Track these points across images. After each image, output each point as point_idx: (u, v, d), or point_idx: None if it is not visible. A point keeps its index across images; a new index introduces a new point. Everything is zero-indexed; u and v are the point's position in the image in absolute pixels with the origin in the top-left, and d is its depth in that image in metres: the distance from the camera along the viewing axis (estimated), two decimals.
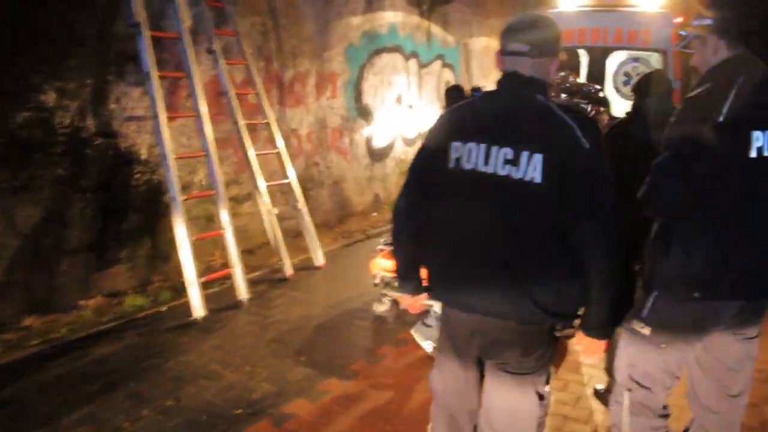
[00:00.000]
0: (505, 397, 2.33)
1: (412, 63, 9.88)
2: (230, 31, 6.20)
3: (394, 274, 4.92)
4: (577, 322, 2.33)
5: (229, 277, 5.41)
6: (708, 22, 2.31)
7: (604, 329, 2.26)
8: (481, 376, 2.46)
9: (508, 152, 2.06)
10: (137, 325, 4.91)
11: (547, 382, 2.36)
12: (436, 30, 10.42)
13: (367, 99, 8.92)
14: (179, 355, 4.39)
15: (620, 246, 2.12)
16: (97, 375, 4.11)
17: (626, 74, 7.93)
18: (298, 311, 5.20)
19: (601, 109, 4.74)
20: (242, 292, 5.31)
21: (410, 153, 10.07)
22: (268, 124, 6.37)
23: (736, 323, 2.43)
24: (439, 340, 2.56)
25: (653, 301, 2.43)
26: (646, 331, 2.44)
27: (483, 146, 2.11)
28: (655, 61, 7.56)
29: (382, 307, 5.09)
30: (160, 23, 5.62)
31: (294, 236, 7.12)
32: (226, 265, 5.60)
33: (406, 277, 2.50)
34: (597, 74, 7.74)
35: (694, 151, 2.16)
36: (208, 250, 6.26)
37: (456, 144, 2.17)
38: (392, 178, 9.68)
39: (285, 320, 5.01)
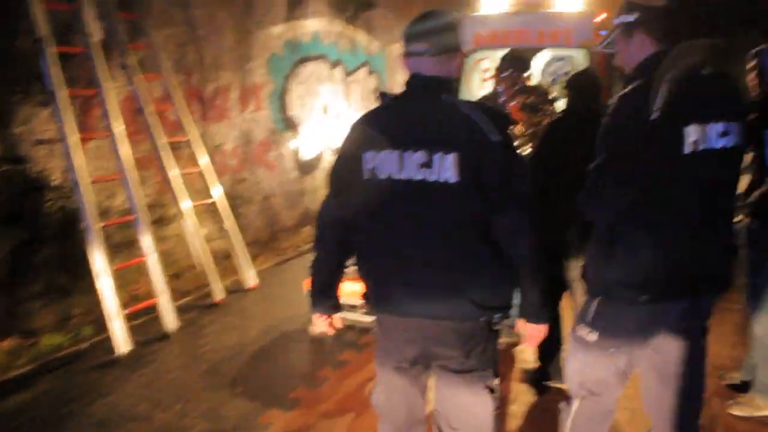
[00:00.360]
0: (458, 396, 2.33)
1: (338, 71, 9.69)
2: (145, 45, 5.86)
3: None
4: (514, 312, 2.32)
5: (155, 307, 5.07)
6: (632, 18, 2.30)
7: (542, 313, 2.26)
8: (425, 384, 2.46)
9: (420, 156, 2.06)
10: (55, 366, 4.51)
11: (496, 375, 2.34)
12: (361, 37, 10.27)
13: (293, 110, 8.67)
14: (103, 397, 4.04)
15: (540, 233, 2.12)
16: (11, 428, 3.73)
17: (551, 73, 8.01)
18: (232, 338, 4.91)
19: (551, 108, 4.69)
20: (170, 321, 4.99)
21: None
22: (189, 141, 6.05)
23: (684, 322, 2.39)
24: (377, 354, 2.47)
25: (597, 306, 2.39)
26: (593, 336, 2.40)
27: (395, 153, 2.09)
28: (579, 59, 7.65)
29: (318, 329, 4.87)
30: (68, 38, 5.24)
31: (224, 257, 6.80)
32: (151, 293, 5.25)
33: (322, 295, 2.44)
34: None
35: (630, 151, 2.15)
36: (132, 277, 5.88)
37: (368, 154, 2.13)
38: (323, 191, 9.44)
39: (218, 349, 4.72)
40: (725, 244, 2.39)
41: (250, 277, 6.12)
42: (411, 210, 2.12)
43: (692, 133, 2.14)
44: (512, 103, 4.92)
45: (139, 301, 5.54)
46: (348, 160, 2.21)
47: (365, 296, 2.36)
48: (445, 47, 2.16)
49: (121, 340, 4.56)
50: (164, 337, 4.94)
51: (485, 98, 5.25)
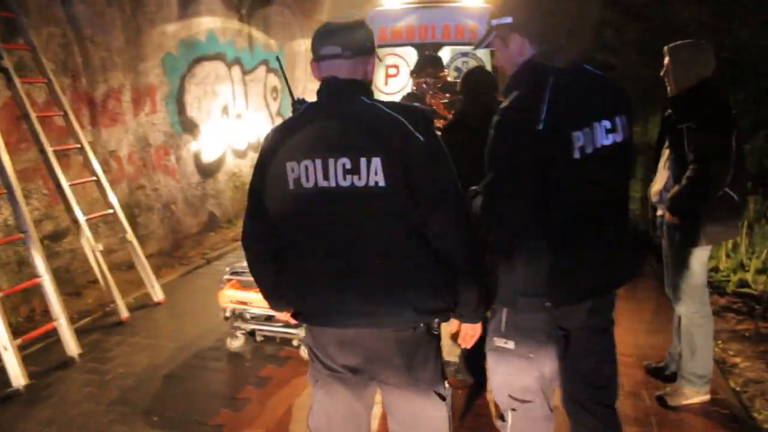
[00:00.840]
0: (408, 407, 2.26)
1: (236, 70, 9.33)
2: (24, 45, 5.36)
3: (245, 305, 4.52)
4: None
5: (54, 331, 4.63)
6: (508, 20, 2.26)
7: (477, 312, 2.20)
8: (371, 399, 2.39)
9: (346, 162, 1.97)
10: None
11: (444, 379, 2.29)
12: (258, 34, 9.93)
13: (192, 112, 8.26)
14: None
15: (473, 230, 2.10)
16: None
17: (456, 69, 8.00)
18: (142, 360, 4.55)
19: None
20: (72, 347, 4.55)
21: (243, 165, 9.53)
22: (81, 148, 5.60)
23: (590, 320, 2.41)
24: (311, 373, 2.36)
25: (506, 316, 2.38)
26: (510, 344, 2.38)
27: (319, 162, 2.00)
28: (483, 55, 7.67)
29: (236, 343, 4.62)
30: None
31: (127, 268, 6.37)
32: (48, 315, 4.79)
33: (277, 301, 2.34)
34: None
35: (521, 166, 2.12)
36: (26, 297, 5.38)
37: (291, 164, 2.04)
38: (227, 194, 9.09)
39: (127, 374, 4.35)
40: (625, 241, 2.43)
41: (156, 291, 5.73)
42: (341, 217, 2.04)
43: (580, 138, 2.13)
44: (435, 100, 5.07)
45: (35, 323, 5.10)
46: (267, 173, 2.11)
47: (295, 313, 2.26)
48: (360, 49, 2.09)
49: (16, 374, 4.10)
50: (66, 364, 4.50)
51: (409, 97, 5.25)
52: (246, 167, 9.59)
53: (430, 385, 2.22)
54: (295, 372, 4.28)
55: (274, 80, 10.52)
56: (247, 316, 4.64)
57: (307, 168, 2.01)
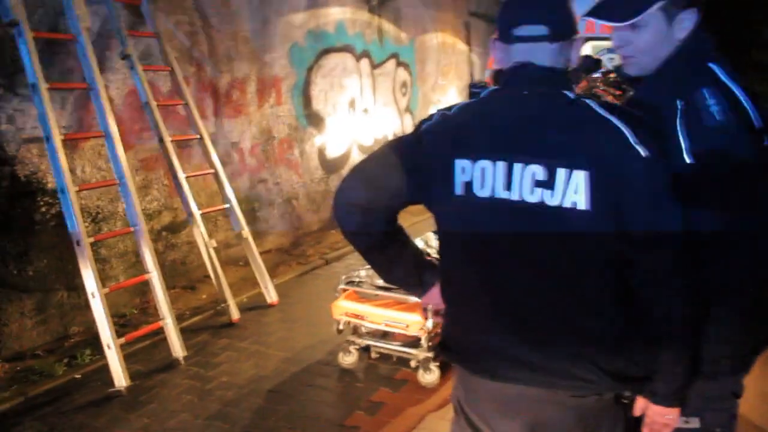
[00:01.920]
0: None
1: (364, 63, 8.98)
2: (149, 33, 5.21)
3: (361, 318, 4.08)
4: None
5: (160, 330, 4.41)
6: None
7: (677, 395, 1.61)
8: None
9: (537, 171, 1.49)
10: (42, 402, 3.86)
11: None
12: (388, 26, 9.53)
13: (317, 105, 7.98)
14: None
15: (693, 283, 1.52)
16: None
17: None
18: (247, 369, 4.22)
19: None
20: (177, 348, 4.31)
21: None
22: (200, 138, 5.39)
23: None
24: (455, 427, 1.86)
25: None
26: (695, 423, 1.76)
27: (501, 164, 1.53)
28: None
29: (348, 359, 4.19)
30: (56, 22, 4.62)
31: (244, 264, 6.14)
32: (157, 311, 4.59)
33: (407, 284, 1.98)
34: None
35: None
36: (142, 288, 5.24)
37: (462, 163, 1.58)
38: None
39: (230, 383, 4.03)
40: None
41: (270, 292, 5.44)
42: (521, 243, 1.56)
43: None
44: (610, 97, 4.74)
45: (149, 316, 4.94)
46: (426, 169, 1.66)
47: (443, 345, 1.81)
48: (567, 30, 1.59)
49: (118, 374, 3.89)
50: (170, 366, 4.27)
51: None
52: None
53: None
54: (410, 399, 3.79)
55: (403, 75, 10.10)
56: (363, 330, 4.20)
57: (483, 171, 1.55)
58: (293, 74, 7.45)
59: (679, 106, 1.60)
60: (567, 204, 1.47)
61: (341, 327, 4.16)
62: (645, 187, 1.45)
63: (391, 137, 9.75)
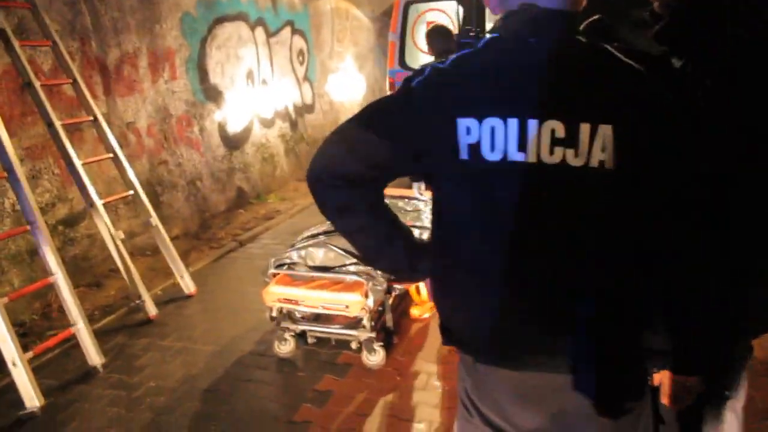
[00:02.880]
0: None
1: (259, 32, 8.51)
2: (23, 3, 4.60)
3: (296, 303, 3.81)
4: None
5: (72, 337, 3.94)
6: None
7: (701, 364, 1.50)
8: None
9: (556, 127, 1.28)
10: None
11: None
12: None
13: (214, 78, 7.48)
14: None
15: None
16: None
17: None
18: (176, 370, 3.86)
19: None
20: (93, 355, 3.87)
21: (270, 135, 8.77)
22: (94, 120, 4.86)
23: None
24: (460, 427, 1.63)
25: None
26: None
27: (514, 122, 1.30)
28: None
29: (285, 347, 3.92)
30: None
31: (152, 253, 5.69)
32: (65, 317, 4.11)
33: (397, 271, 1.72)
34: None
35: None
36: (41, 291, 4.69)
37: (467, 122, 1.34)
38: (255, 167, 8.34)
39: (160, 388, 3.66)
40: None
41: (186, 282, 5.04)
42: (541, 211, 1.34)
43: None
44: None
45: (51, 321, 4.49)
46: (424, 126, 1.39)
47: (445, 328, 1.58)
48: None
49: (29, 394, 3.43)
50: (88, 375, 3.83)
51: None
52: (273, 137, 8.83)
53: None
54: (358, 384, 3.58)
55: (300, 42, 9.69)
56: (297, 315, 3.93)
57: (493, 130, 1.31)
58: (186, 46, 6.92)
59: None
60: (593, 164, 1.27)
61: (274, 314, 3.88)
62: (675, 141, 1.29)
63: (291, 110, 9.37)
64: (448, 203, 1.47)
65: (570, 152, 1.27)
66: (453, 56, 1.42)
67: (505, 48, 1.37)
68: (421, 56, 7.73)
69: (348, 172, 1.46)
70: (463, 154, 1.35)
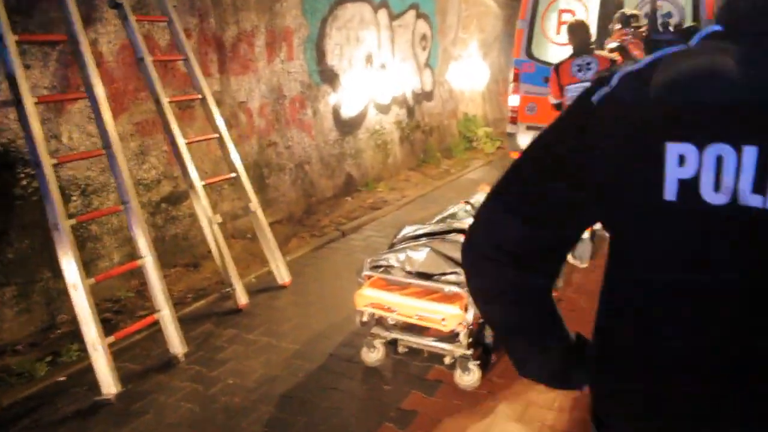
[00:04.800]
0: None
1: (382, 14, 8.25)
2: None
3: (389, 311, 3.51)
4: None
5: (155, 323, 3.85)
6: None
7: None
8: None
9: None
10: (19, 412, 3.31)
11: None
12: None
13: (332, 60, 7.30)
14: None
15: None
16: None
17: (646, 16, 6.51)
18: (256, 368, 3.67)
19: None
20: (176, 344, 3.76)
21: (385, 121, 8.51)
22: (203, 99, 4.76)
23: None
24: None
25: None
26: None
27: (751, 151, 0.95)
28: None
29: (373, 355, 3.64)
30: None
31: (253, 237, 5.59)
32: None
33: (548, 381, 1.35)
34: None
35: None
36: (129, 274, 4.65)
37: (680, 147, 0.99)
38: (367, 153, 8.12)
39: (237, 387, 3.48)
40: None
41: (281, 272, 4.87)
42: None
43: None
44: (640, 52, 4.94)
45: (146, 300, 4.39)
46: (613, 153, 1.05)
47: (599, 422, 1.22)
48: None
49: (107, 380, 3.34)
50: (168, 365, 3.72)
51: (617, 50, 5.12)
52: (389, 123, 8.57)
53: None
54: (447, 405, 3.25)
55: (423, 27, 9.36)
56: (389, 321, 3.64)
57: (719, 161, 0.96)
58: (305, 26, 6.76)
59: None
60: None
61: (365, 319, 3.60)
62: None
63: (409, 96, 9.07)
64: (636, 265, 1.10)
65: None
66: (650, 58, 1.09)
67: (733, 51, 1.01)
68: (549, 47, 7.20)
69: (512, 241, 1.16)
70: (670, 194, 1.00)
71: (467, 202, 4.47)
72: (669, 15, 6.68)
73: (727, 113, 0.97)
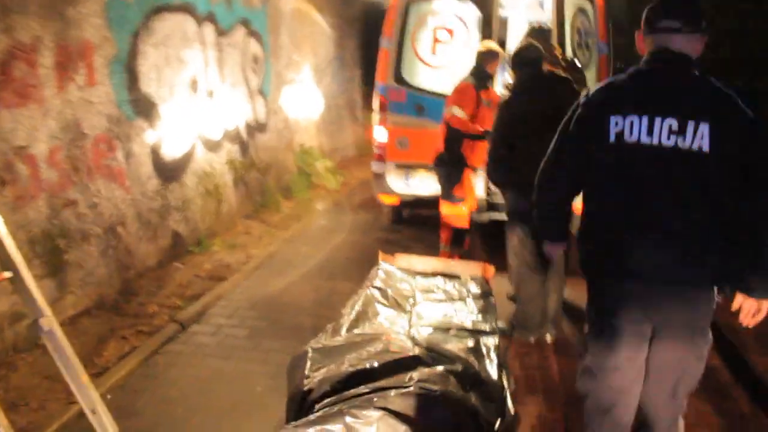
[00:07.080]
0: (682, 362, 2.48)
1: (208, 30, 6.61)
2: None
3: None
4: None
5: None
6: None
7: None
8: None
9: (672, 123, 2.23)
10: None
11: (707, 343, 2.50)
12: None
13: (148, 86, 5.52)
14: None
15: None
16: None
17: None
18: None
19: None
20: None
21: (216, 162, 6.83)
22: None
23: None
24: (595, 331, 2.58)
25: None
26: None
27: (645, 118, 2.27)
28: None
29: None
30: None
31: (46, 351, 3.71)
32: None
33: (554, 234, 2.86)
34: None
35: None
36: None
37: (615, 118, 2.32)
38: (196, 203, 6.38)
39: None
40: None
41: (100, 419, 3.07)
42: (658, 174, 2.29)
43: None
44: None
45: None
46: (589, 124, 2.42)
47: (590, 255, 2.56)
48: (698, 27, 2.31)
49: None
50: None
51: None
52: (219, 164, 6.91)
53: (705, 342, 2.47)
54: None
55: (255, 47, 7.84)
56: None
57: (632, 123, 2.28)
58: (111, 41, 4.97)
59: None
60: (695, 147, 2.20)
61: None
62: (752, 141, 2.20)
63: (243, 129, 7.48)
64: (598, 170, 2.44)
65: (680, 139, 2.22)
66: (608, 81, 2.51)
67: (643, 74, 2.37)
68: (422, 69, 6.04)
69: (555, 175, 2.65)
70: (612, 139, 2.33)
71: (375, 287, 3.11)
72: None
73: (637, 101, 2.30)
